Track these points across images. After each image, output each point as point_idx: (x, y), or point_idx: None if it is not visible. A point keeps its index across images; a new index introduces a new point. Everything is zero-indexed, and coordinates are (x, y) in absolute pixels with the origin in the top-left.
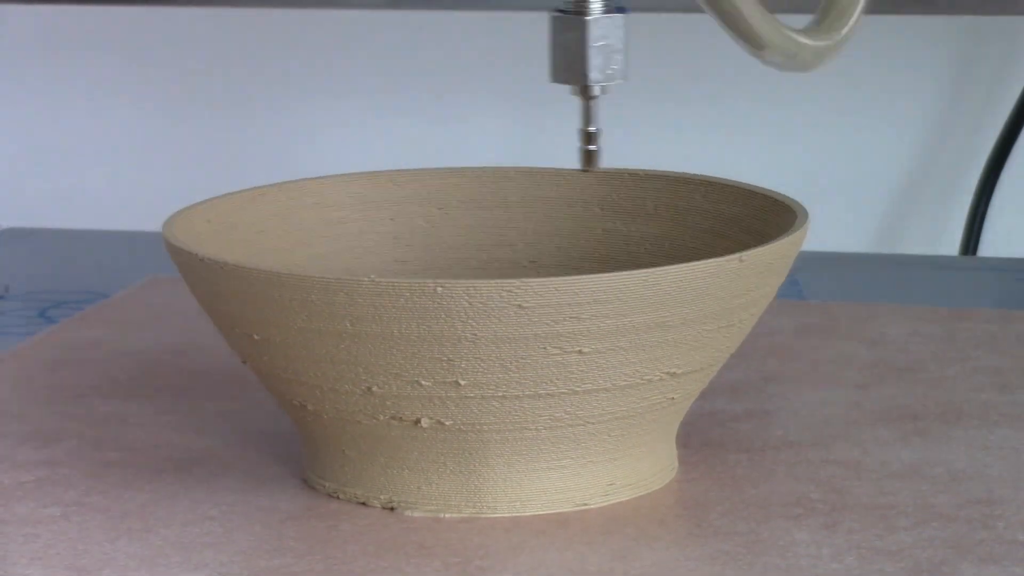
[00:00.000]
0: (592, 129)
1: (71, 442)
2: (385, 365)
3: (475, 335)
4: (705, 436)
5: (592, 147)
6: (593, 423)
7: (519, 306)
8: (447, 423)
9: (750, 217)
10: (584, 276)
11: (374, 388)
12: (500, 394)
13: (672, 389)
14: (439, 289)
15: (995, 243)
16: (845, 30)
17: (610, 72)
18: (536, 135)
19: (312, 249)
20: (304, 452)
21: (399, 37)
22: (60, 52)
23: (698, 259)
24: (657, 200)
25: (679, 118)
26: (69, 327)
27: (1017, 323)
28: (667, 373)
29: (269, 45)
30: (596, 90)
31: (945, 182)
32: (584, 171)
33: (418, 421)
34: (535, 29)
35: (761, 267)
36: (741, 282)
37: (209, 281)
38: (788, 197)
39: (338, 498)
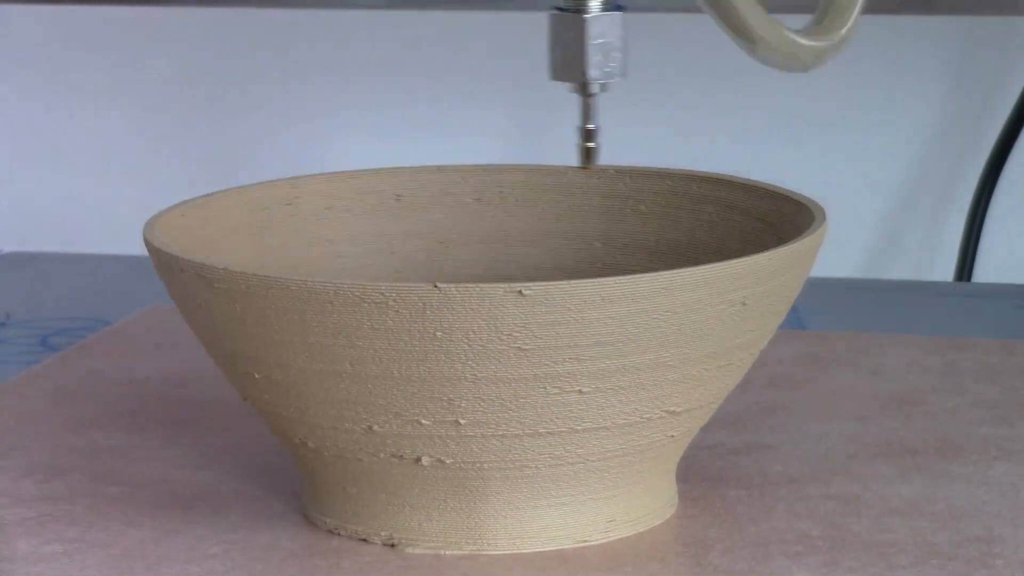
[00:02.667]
0: (591, 127)
1: (73, 476)
2: (386, 405)
3: (475, 376)
4: (705, 471)
5: (591, 144)
6: (593, 461)
7: (519, 348)
8: (447, 461)
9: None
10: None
11: (375, 427)
12: (500, 433)
13: (672, 427)
14: (439, 334)
15: (989, 268)
16: (844, 30)
17: (608, 70)
18: (537, 134)
19: None
20: (305, 488)
21: (399, 37)
22: (60, 66)
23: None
24: (658, 235)
25: (661, 124)
26: (70, 357)
27: (1017, 354)
28: (667, 411)
29: (270, 47)
30: (595, 88)
31: (940, 204)
32: (583, 168)
33: (419, 459)
34: (535, 29)
35: (763, 308)
36: (742, 324)
37: (210, 321)
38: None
39: (339, 535)
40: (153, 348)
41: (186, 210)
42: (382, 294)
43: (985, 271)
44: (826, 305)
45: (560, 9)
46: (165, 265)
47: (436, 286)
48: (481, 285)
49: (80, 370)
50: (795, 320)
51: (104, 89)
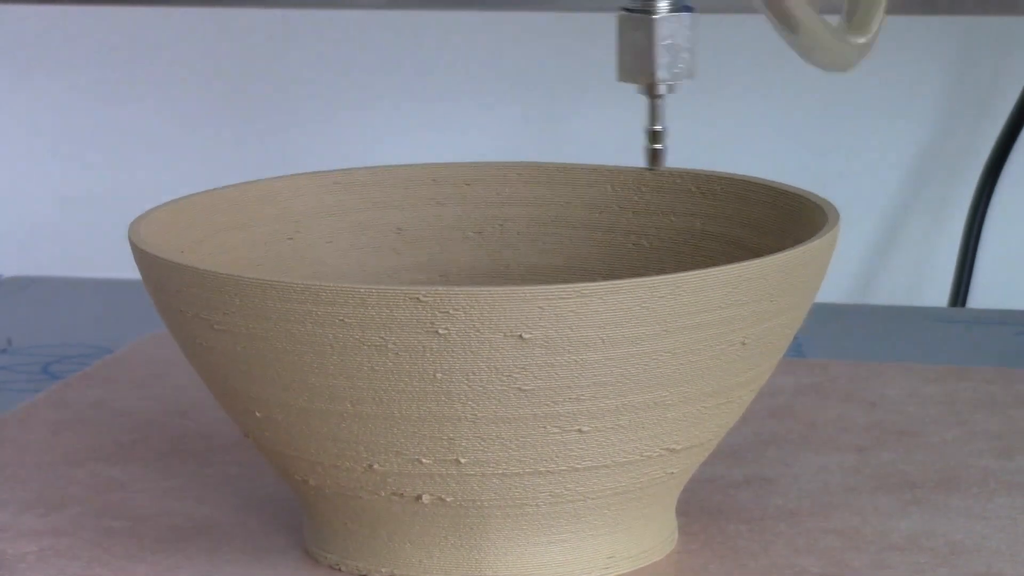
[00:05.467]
0: (658, 128)
1: (74, 509)
2: (386, 444)
3: (475, 415)
4: (705, 504)
5: (658, 146)
6: (593, 498)
7: (519, 389)
8: (448, 499)
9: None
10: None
11: (375, 466)
12: (500, 471)
13: (671, 464)
14: (439, 375)
15: (984, 292)
16: (875, 26)
17: (677, 71)
18: (537, 135)
19: None
20: (306, 523)
21: (399, 37)
22: (60, 83)
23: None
24: (661, 271)
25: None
26: (72, 386)
27: (1017, 383)
28: (666, 449)
29: (269, 48)
30: (662, 89)
31: (934, 223)
32: (650, 170)
33: (419, 497)
34: (536, 28)
35: (763, 348)
36: (742, 363)
37: (211, 360)
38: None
39: (340, 570)
40: (154, 376)
41: (183, 246)
42: (382, 337)
43: (980, 295)
44: (823, 330)
45: (627, 10)
46: (165, 304)
47: (437, 332)
48: (482, 323)
49: (81, 400)
50: (795, 346)
51: (108, 101)
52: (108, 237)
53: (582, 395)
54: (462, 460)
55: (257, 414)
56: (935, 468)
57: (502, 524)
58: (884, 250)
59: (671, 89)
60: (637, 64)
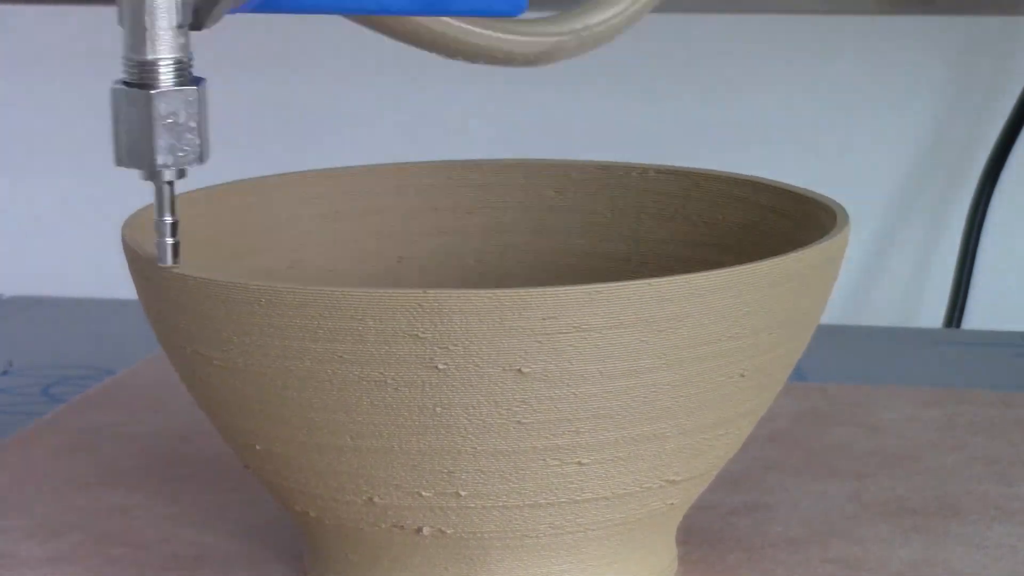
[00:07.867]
0: (168, 219)
1: (76, 536)
2: (386, 477)
3: (475, 449)
4: (705, 532)
5: (170, 240)
6: (593, 529)
7: (519, 422)
8: (448, 532)
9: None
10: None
11: (375, 499)
12: (500, 504)
13: (671, 495)
14: (438, 409)
15: (979, 312)
16: (568, 27)
17: (182, 155)
18: (536, 134)
19: None
20: (307, 553)
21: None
22: (57, 92)
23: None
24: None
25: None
26: (73, 410)
27: (1017, 407)
28: (666, 481)
29: (270, 48)
30: (168, 175)
31: (931, 236)
32: (171, 267)
33: (419, 530)
34: None
35: (762, 379)
36: (742, 394)
37: (210, 393)
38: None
39: None
40: (156, 400)
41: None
42: (381, 373)
43: (975, 314)
44: (820, 351)
45: (125, 83)
46: (165, 337)
47: (436, 367)
48: (480, 359)
49: (82, 424)
50: (795, 371)
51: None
52: (109, 254)
53: (581, 428)
54: (462, 493)
55: (257, 447)
56: (935, 494)
57: (502, 555)
58: (879, 266)
59: (181, 175)
60: (136, 147)
